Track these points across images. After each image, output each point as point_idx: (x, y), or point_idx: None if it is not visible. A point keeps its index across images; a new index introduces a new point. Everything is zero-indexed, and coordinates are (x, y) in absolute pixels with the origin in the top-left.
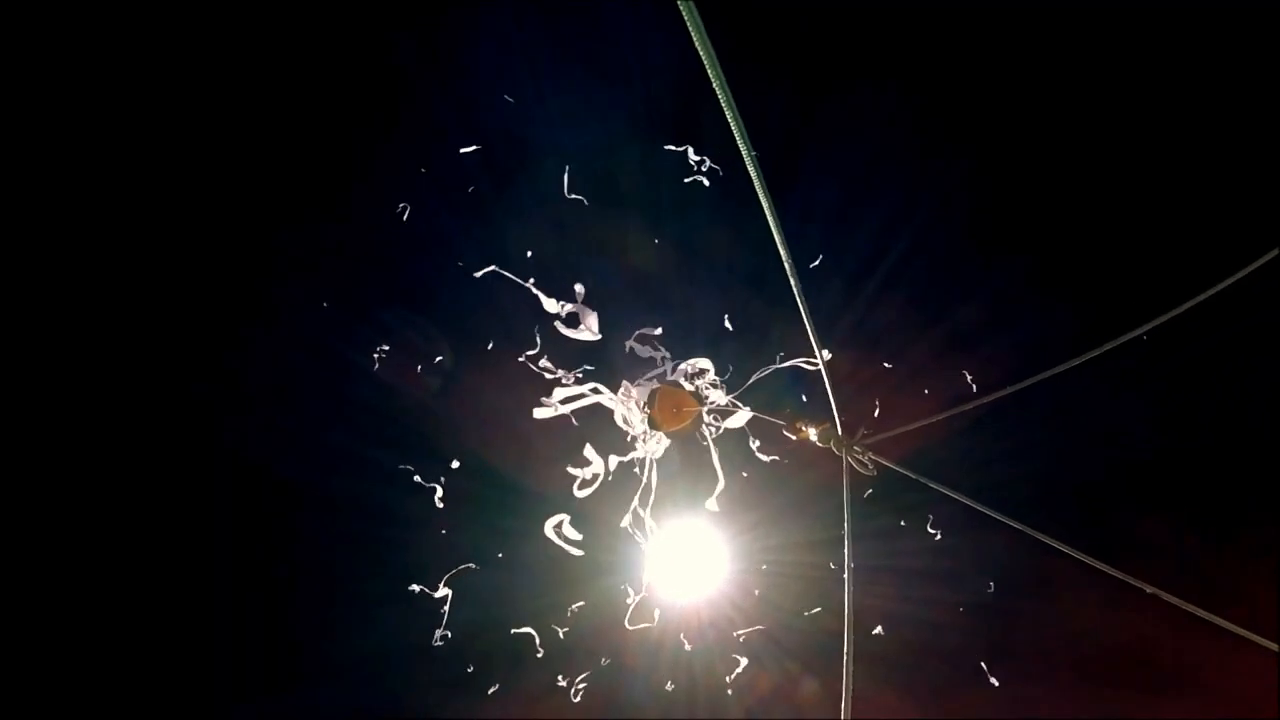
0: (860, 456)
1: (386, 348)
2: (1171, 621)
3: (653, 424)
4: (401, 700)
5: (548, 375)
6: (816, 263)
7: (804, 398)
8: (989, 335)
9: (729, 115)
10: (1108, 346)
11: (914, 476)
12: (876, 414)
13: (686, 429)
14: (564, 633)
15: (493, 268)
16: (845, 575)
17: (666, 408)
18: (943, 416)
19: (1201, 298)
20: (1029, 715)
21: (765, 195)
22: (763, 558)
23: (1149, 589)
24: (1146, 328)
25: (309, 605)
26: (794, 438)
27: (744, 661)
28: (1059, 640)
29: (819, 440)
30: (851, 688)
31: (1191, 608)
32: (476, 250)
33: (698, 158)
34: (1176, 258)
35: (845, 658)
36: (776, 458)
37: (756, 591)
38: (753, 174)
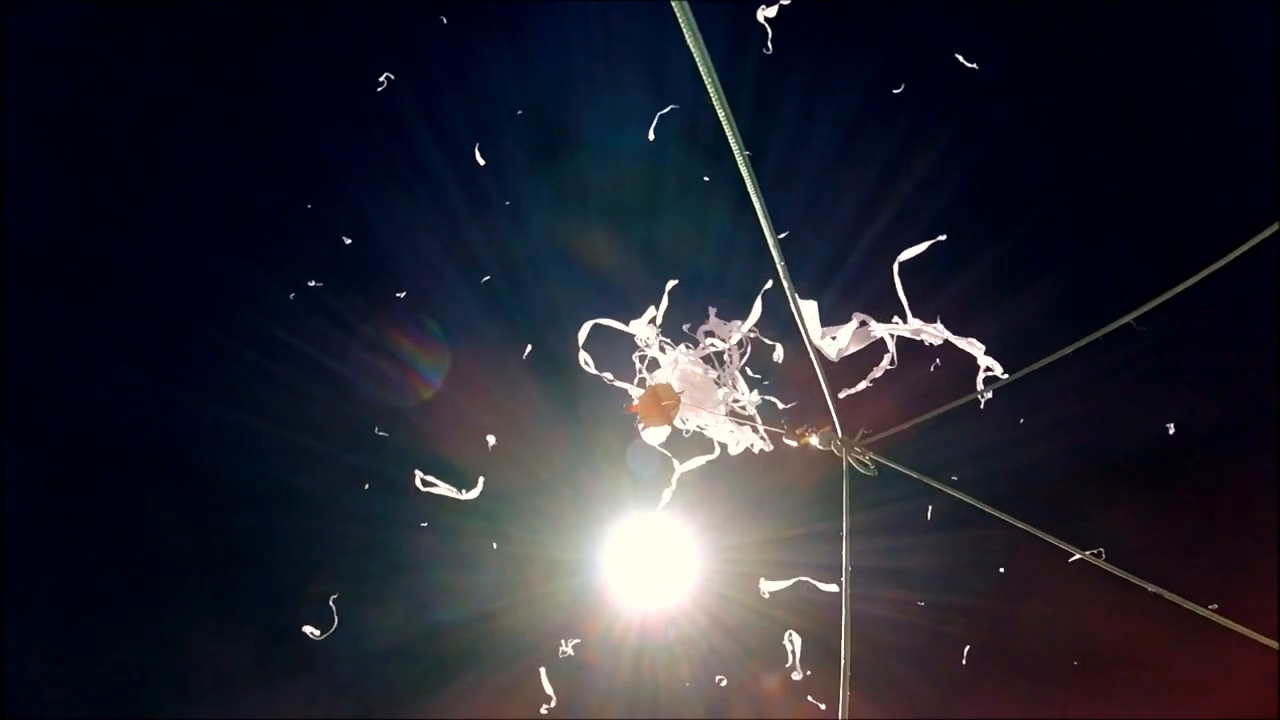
0: (861, 457)
1: (367, 353)
2: (1172, 620)
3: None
4: (369, 700)
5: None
6: (785, 235)
7: (771, 401)
8: (985, 327)
9: (721, 114)
10: (1103, 332)
11: (916, 476)
12: (874, 412)
13: (661, 421)
14: (528, 632)
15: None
16: (843, 578)
17: (649, 403)
18: (940, 412)
19: (1201, 276)
20: (1027, 716)
21: (757, 194)
22: (726, 556)
23: (1151, 588)
24: (1141, 311)
25: (277, 606)
26: (794, 444)
27: (710, 662)
28: (1059, 639)
29: (819, 444)
30: (848, 694)
31: (1193, 606)
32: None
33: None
34: (1172, 238)
35: (842, 660)
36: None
37: (721, 591)
38: (745, 174)
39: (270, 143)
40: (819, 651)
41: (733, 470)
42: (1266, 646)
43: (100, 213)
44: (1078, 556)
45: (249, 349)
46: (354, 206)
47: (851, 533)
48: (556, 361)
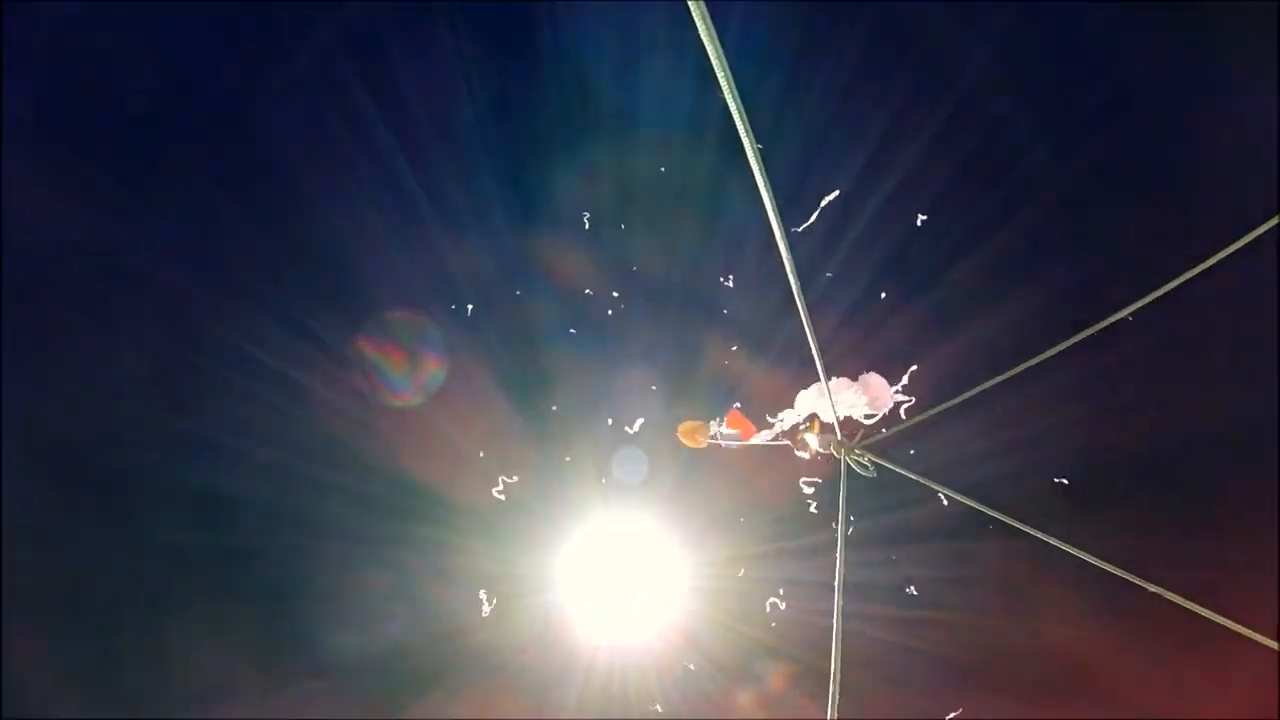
0: (860, 459)
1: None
2: (1171, 621)
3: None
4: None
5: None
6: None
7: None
8: (984, 326)
9: (734, 110)
10: (1098, 327)
11: (914, 478)
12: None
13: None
14: (495, 642)
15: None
16: (836, 584)
17: (689, 431)
18: (936, 411)
19: (1199, 269)
20: (1028, 717)
21: (768, 191)
22: (699, 571)
23: (1151, 587)
24: (1136, 306)
25: (271, 616)
26: (805, 455)
27: (678, 674)
28: (1058, 639)
29: (819, 446)
30: (838, 698)
31: (1194, 606)
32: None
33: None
34: (1169, 235)
35: (833, 668)
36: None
37: (693, 606)
38: (755, 169)
39: (273, 150)
40: (796, 669)
41: (711, 484)
42: (1266, 646)
43: (100, 219)
44: (1077, 555)
45: (243, 369)
46: (346, 220)
47: (821, 548)
48: (540, 381)
